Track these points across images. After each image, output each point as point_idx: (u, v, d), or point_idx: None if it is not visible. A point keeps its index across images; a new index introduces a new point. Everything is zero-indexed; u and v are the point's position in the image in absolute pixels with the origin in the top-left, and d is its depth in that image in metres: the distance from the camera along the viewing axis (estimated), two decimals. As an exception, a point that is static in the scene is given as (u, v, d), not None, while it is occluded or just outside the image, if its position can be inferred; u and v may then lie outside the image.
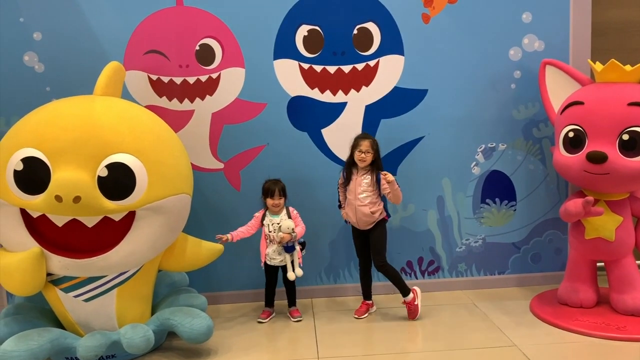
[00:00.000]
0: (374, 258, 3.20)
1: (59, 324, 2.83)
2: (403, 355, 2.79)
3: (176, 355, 2.87)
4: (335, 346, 2.89)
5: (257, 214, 3.22)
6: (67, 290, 2.69)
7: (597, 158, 2.84)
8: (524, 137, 3.56)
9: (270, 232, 3.17)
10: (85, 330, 2.76)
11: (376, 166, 3.12)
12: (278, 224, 3.16)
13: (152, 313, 2.97)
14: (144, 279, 2.84)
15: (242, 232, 3.18)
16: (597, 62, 3.08)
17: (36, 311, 2.88)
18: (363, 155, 3.09)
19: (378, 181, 3.10)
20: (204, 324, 2.73)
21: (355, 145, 3.13)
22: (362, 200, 3.11)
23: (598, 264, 3.23)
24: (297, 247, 3.20)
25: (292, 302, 3.34)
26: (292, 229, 3.13)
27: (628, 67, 2.93)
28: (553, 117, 3.26)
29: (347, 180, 3.17)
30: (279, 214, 3.20)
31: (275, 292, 3.33)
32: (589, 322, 2.96)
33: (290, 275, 3.16)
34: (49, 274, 2.64)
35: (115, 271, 2.69)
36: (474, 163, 3.57)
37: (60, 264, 2.58)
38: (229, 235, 3.12)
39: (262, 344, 2.95)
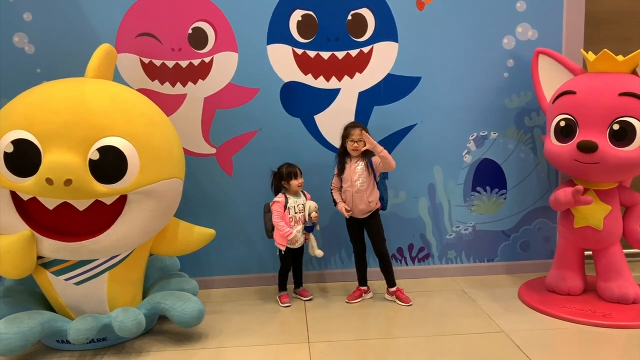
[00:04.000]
0: (378, 246, 3.23)
1: (49, 307, 2.83)
2: (393, 340, 2.82)
3: (167, 339, 2.88)
4: (326, 331, 2.92)
5: (277, 201, 3.17)
6: (57, 273, 2.68)
7: (587, 147, 2.86)
8: (515, 125, 3.57)
9: (296, 213, 3.19)
10: (76, 314, 2.76)
11: (366, 153, 3.14)
12: (302, 204, 3.21)
13: (143, 297, 2.98)
14: (135, 263, 2.84)
15: (285, 224, 3.16)
16: (590, 52, 3.08)
17: (26, 294, 2.88)
18: (356, 144, 3.10)
19: (371, 165, 3.12)
20: (195, 308, 2.75)
21: (346, 135, 3.14)
22: (359, 187, 3.12)
23: (585, 253, 3.26)
24: (317, 226, 3.28)
25: (300, 283, 3.40)
26: (317, 208, 3.22)
27: (620, 57, 2.94)
28: (545, 106, 3.27)
29: (342, 169, 3.18)
30: (299, 195, 3.22)
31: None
32: (576, 310, 3.00)
33: (319, 252, 3.23)
34: (39, 257, 2.63)
35: (106, 255, 2.68)
36: (466, 151, 3.58)
37: (51, 247, 2.57)
38: (294, 234, 3.18)
39: (253, 329, 2.97)
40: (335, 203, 3.23)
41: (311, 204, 3.23)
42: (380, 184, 3.21)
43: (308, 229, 3.26)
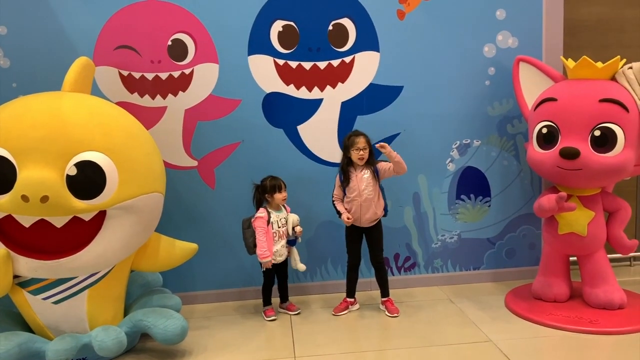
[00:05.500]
0: (376, 255, 3.22)
1: (27, 328, 2.75)
2: (380, 353, 2.79)
3: (150, 357, 2.82)
4: (312, 345, 2.87)
5: (260, 216, 3.11)
6: (35, 292, 2.61)
7: (569, 154, 2.87)
8: (498, 133, 3.58)
9: (279, 228, 3.14)
10: (54, 334, 2.69)
11: (371, 161, 3.12)
12: (285, 218, 3.16)
13: (125, 314, 2.91)
14: (116, 280, 2.77)
15: (267, 246, 3.09)
16: (570, 59, 3.11)
17: (3, 314, 2.80)
18: (362, 152, 3.07)
19: (376, 173, 3.11)
20: (178, 325, 2.68)
21: (351, 144, 3.10)
22: (367, 195, 3.09)
23: (570, 259, 3.27)
24: (299, 239, 3.23)
25: (286, 298, 3.34)
26: (300, 220, 3.19)
27: (599, 64, 2.96)
28: (527, 113, 3.28)
29: (347, 180, 3.13)
30: (281, 209, 3.18)
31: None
32: (562, 316, 2.99)
33: (302, 266, 3.20)
34: (16, 276, 2.55)
35: (85, 272, 2.62)
36: (449, 159, 3.58)
37: (27, 266, 2.50)
38: (270, 259, 3.10)
39: (238, 344, 2.91)
40: (339, 214, 3.16)
41: (294, 217, 3.20)
42: (381, 190, 3.19)
43: (290, 242, 3.21)
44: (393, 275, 3.63)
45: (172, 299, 2.98)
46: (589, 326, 2.87)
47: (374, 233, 3.20)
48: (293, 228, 3.17)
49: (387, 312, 3.21)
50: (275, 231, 3.13)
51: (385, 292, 3.27)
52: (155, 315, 2.72)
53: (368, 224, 3.16)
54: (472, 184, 3.61)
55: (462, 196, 3.62)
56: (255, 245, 3.11)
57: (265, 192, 3.15)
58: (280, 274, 3.28)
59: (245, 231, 3.17)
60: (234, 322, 3.20)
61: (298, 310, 3.29)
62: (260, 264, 3.16)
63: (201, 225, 3.42)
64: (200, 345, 2.91)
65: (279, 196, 3.13)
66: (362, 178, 3.11)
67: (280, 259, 3.18)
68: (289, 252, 3.24)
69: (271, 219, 3.12)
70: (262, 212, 3.13)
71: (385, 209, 3.22)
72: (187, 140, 3.37)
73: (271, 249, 3.11)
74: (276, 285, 3.33)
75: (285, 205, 3.22)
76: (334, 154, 3.44)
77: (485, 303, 3.31)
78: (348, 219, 3.11)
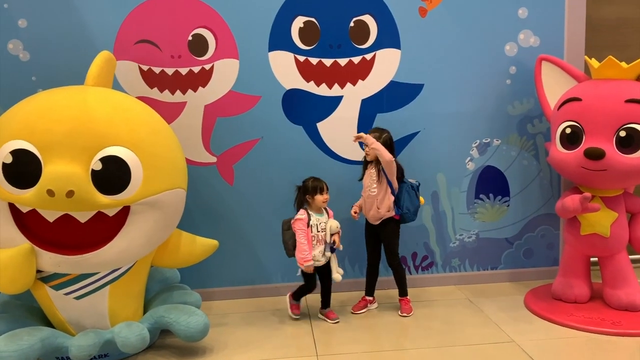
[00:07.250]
0: (388, 257, 3.20)
1: (47, 323, 2.74)
2: (401, 352, 2.77)
3: (170, 353, 2.80)
4: (334, 344, 2.86)
5: (300, 218, 3.01)
6: (57, 287, 2.59)
7: (594, 154, 2.85)
8: (518, 132, 3.56)
9: (318, 232, 3.04)
10: (76, 329, 2.67)
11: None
12: (325, 223, 3.06)
13: (144, 310, 2.90)
14: (137, 276, 2.76)
15: (308, 248, 2.99)
16: (593, 59, 3.08)
17: (24, 309, 2.78)
18: (367, 149, 3.08)
19: (383, 172, 3.07)
20: (200, 322, 2.67)
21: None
22: (370, 192, 3.11)
23: (591, 259, 3.25)
24: (335, 246, 3.09)
25: (328, 304, 3.20)
26: (339, 227, 3.10)
27: (624, 64, 2.94)
28: (549, 113, 3.26)
29: (362, 177, 3.19)
30: (322, 212, 3.10)
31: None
32: (584, 318, 2.98)
33: (337, 277, 3.07)
34: (38, 271, 2.54)
35: (108, 268, 2.60)
36: (469, 158, 3.56)
37: (51, 261, 2.48)
38: (311, 263, 2.99)
39: (258, 342, 2.90)
40: None
41: (333, 224, 3.07)
42: (405, 192, 3.13)
43: (330, 248, 3.08)
44: (410, 274, 3.61)
45: (192, 296, 2.97)
46: (612, 327, 2.86)
47: (384, 234, 3.18)
48: (331, 235, 3.07)
49: (399, 311, 3.19)
50: (314, 235, 3.02)
51: (401, 292, 3.25)
52: (177, 312, 2.70)
53: (374, 221, 3.15)
54: (491, 183, 3.59)
55: (481, 195, 3.60)
56: (295, 248, 3.02)
57: (306, 192, 3.05)
58: (324, 278, 3.14)
59: (285, 233, 3.06)
60: (253, 320, 3.19)
61: (337, 319, 3.13)
62: (300, 269, 3.05)
63: (219, 222, 3.40)
64: (220, 342, 2.89)
65: (319, 198, 3.03)
66: (369, 175, 3.13)
67: (318, 263, 3.05)
68: (329, 258, 3.11)
69: (311, 222, 3.02)
70: (302, 214, 3.02)
71: (400, 212, 3.13)
72: (207, 136, 3.35)
73: (306, 254, 2.99)
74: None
75: (327, 209, 3.12)
76: (353, 152, 3.42)
77: (504, 303, 3.29)
78: (355, 212, 3.16)
